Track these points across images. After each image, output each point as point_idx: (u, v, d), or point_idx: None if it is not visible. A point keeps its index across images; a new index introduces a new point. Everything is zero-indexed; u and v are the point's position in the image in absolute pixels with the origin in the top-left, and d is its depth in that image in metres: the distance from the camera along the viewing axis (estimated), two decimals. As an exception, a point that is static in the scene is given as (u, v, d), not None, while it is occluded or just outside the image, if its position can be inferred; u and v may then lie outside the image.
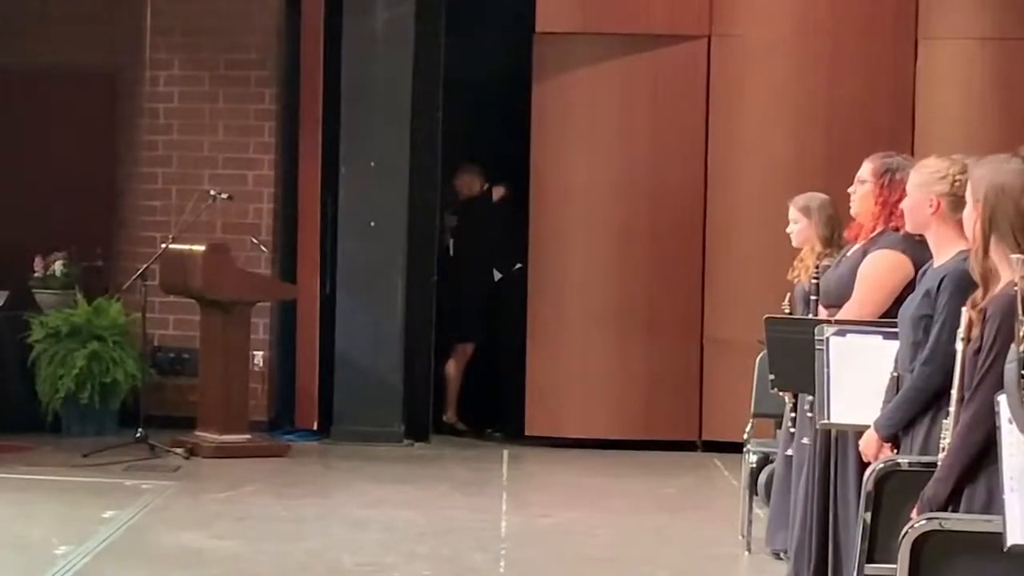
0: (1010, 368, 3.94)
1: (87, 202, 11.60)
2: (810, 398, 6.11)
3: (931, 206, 5.14)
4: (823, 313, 6.41)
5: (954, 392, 4.46)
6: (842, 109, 11.16)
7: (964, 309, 4.45)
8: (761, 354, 7.57)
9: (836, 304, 6.29)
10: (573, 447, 11.26)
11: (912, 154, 9.00)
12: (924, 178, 5.18)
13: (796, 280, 7.62)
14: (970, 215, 4.49)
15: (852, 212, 6.45)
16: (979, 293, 4.36)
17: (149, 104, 11.63)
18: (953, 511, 4.25)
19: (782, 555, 7.43)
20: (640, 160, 11.35)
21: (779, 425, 7.57)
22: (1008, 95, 11.07)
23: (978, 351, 4.28)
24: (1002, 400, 3.94)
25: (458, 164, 11.98)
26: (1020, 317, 3.89)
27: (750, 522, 8.04)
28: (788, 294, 7.64)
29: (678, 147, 11.31)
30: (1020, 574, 3.98)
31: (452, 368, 12.02)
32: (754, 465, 7.98)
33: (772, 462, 7.80)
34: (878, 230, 6.22)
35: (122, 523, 8.33)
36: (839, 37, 11.22)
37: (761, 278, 10.32)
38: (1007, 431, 3.91)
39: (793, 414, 7.03)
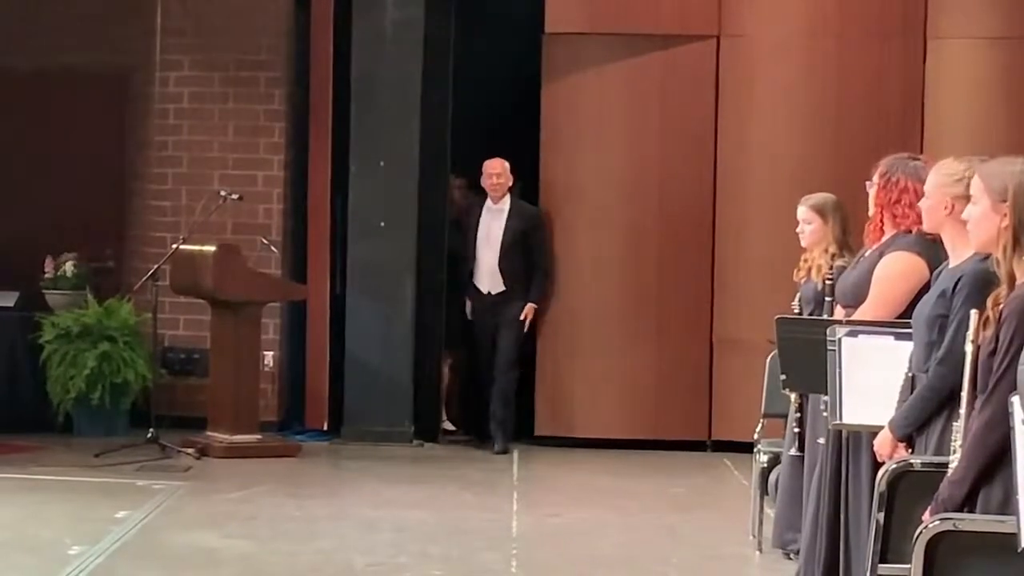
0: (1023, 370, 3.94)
1: (97, 203, 11.61)
2: (825, 398, 6.12)
3: (946, 208, 5.17)
4: (839, 314, 6.41)
5: (964, 394, 4.47)
6: (851, 109, 11.16)
7: (972, 312, 4.46)
8: (772, 354, 7.56)
9: (852, 304, 6.29)
10: (582, 447, 11.26)
11: (921, 152, 9.02)
12: (940, 180, 5.23)
13: (803, 279, 7.61)
14: (982, 215, 4.49)
15: (870, 213, 6.45)
16: (1003, 291, 4.34)
17: (159, 104, 11.64)
18: (969, 513, 4.25)
19: (791, 555, 7.44)
20: (649, 160, 11.35)
21: (788, 425, 7.58)
22: (1017, 94, 11.05)
23: (993, 352, 4.26)
24: (1016, 401, 3.94)
25: (467, 164, 11.91)
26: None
27: (760, 522, 8.05)
28: (798, 294, 7.64)
29: (687, 147, 11.31)
30: (1035, 575, 3.99)
31: (446, 373, 11.95)
32: (765, 465, 7.99)
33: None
34: (888, 232, 6.22)
35: (134, 523, 8.35)
36: (848, 37, 11.22)
37: (770, 278, 10.33)
38: (1021, 432, 3.91)
39: (798, 414, 7.05)
